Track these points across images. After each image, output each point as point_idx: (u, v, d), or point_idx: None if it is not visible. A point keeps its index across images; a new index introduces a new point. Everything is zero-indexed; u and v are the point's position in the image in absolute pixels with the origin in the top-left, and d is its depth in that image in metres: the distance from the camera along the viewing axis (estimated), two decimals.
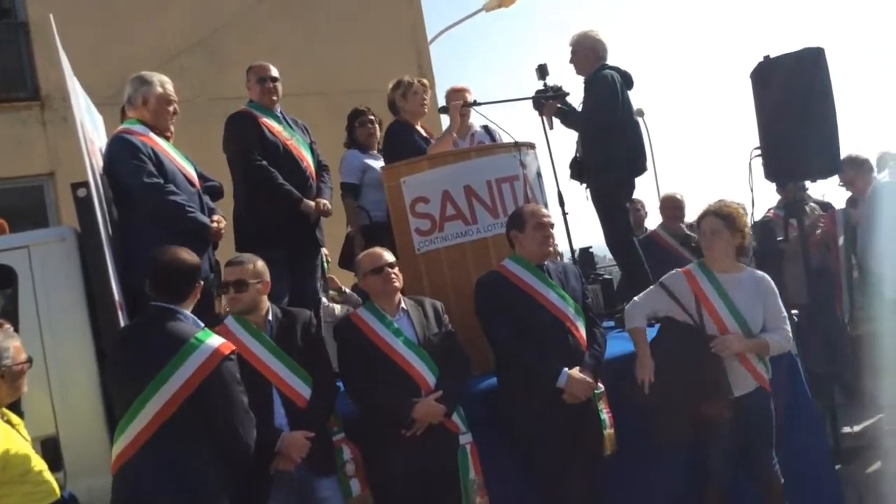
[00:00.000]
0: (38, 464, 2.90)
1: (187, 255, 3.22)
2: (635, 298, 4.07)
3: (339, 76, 10.81)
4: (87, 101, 4.26)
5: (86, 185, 3.50)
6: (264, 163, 4.56)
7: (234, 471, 3.07)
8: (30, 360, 3.04)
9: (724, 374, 3.75)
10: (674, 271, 4.01)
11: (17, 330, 3.55)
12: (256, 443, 3.18)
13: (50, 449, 3.40)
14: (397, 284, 3.74)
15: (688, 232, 6.16)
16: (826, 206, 6.27)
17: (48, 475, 2.90)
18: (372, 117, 5.51)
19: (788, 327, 3.90)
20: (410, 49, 11.52)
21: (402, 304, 3.77)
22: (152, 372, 2.94)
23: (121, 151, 3.93)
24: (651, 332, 4.02)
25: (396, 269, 3.76)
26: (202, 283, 3.24)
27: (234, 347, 3.13)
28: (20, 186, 9.71)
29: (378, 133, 5.52)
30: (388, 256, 3.79)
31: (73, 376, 3.13)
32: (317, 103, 9.26)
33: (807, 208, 5.68)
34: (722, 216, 3.86)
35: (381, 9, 11.39)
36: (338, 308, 5.64)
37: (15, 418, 3.09)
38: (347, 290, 5.42)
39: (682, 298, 3.89)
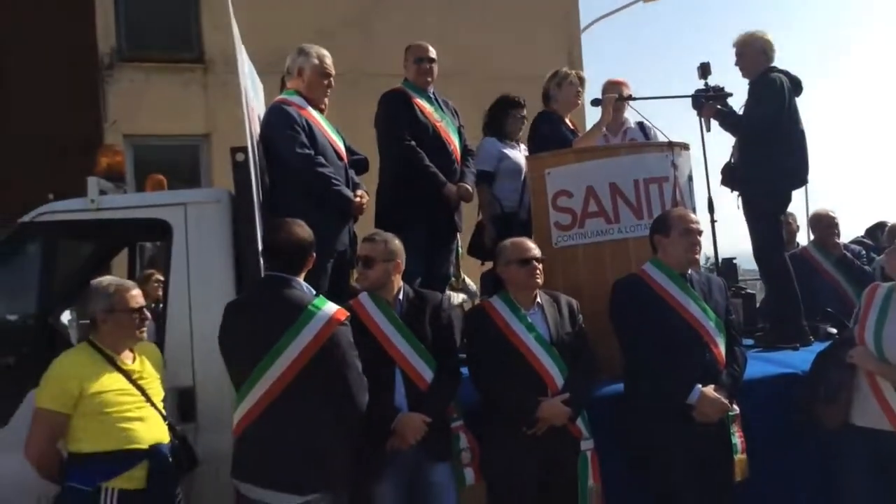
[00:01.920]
0: (125, 409, 3.11)
1: (300, 228, 3.26)
2: None
3: (485, 60, 10.79)
4: (251, 67, 4.40)
5: (244, 150, 3.61)
6: (413, 143, 4.58)
7: (350, 432, 3.14)
8: (138, 310, 3.23)
9: (847, 387, 3.59)
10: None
11: (166, 282, 3.76)
12: (374, 420, 3.24)
13: (186, 400, 3.55)
14: (540, 280, 3.67)
15: (844, 252, 5.75)
16: None
17: (135, 424, 3.11)
18: (525, 111, 5.40)
19: None
20: (562, 37, 11.34)
21: (538, 299, 3.69)
22: (273, 338, 3.02)
23: (277, 120, 4.04)
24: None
25: (541, 265, 3.68)
26: (314, 255, 3.28)
27: (348, 314, 3.19)
28: (177, 144, 10.30)
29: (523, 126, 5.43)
30: (537, 250, 3.71)
31: (213, 332, 3.23)
32: (460, 86, 9.21)
33: None
34: None
35: None
36: (454, 296, 5.64)
37: (144, 364, 3.30)
38: (467, 280, 5.41)
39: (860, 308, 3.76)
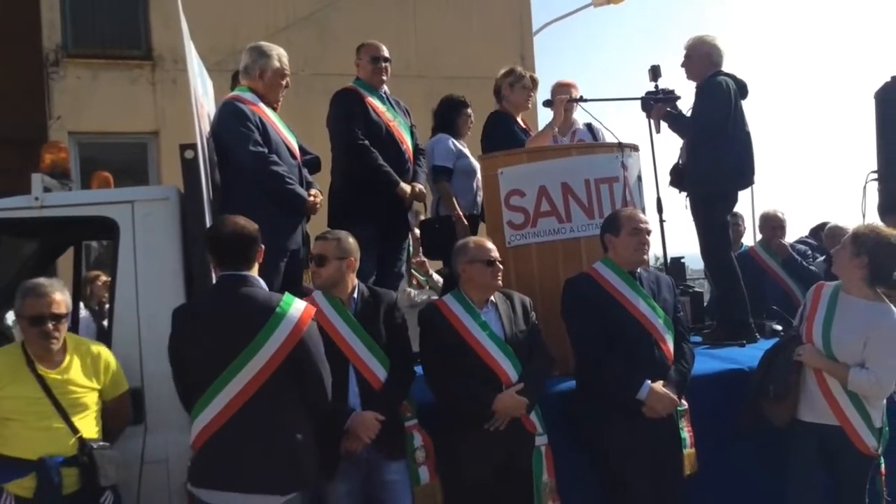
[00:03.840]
0: (28, 418, 3.11)
1: (245, 221, 3.20)
2: None
3: (440, 61, 10.84)
4: (201, 65, 4.34)
5: (193, 147, 3.55)
6: (366, 143, 4.57)
7: (318, 427, 3.13)
8: (37, 318, 3.10)
9: (795, 385, 3.68)
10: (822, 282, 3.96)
11: (113, 281, 3.68)
12: (327, 419, 3.24)
13: (134, 401, 3.46)
14: (500, 283, 3.70)
15: (791, 252, 5.90)
16: None
17: (33, 433, 3.09)
18: (470, 110, 5.43)
19: (889, 376, 3.59)
20: (515, 39, 11.44)
21: (492, 297, 3.71)
22: (240, 343, 2.96)
23: (230, 118, 3.99)
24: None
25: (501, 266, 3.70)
26: (263, 248, 3.22)
27: (315, 309, 3.18)
28: (125, 142, 10.13)
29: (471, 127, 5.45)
30: (496, 252, 3.71)
31: (162, 332, 3.17)
32: (414, 86, 9.28)
33: None
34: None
35: None
36: (414, 293, 5.64)
37: (71, 372, 3.20)
38: (435, 276, 5.40)
39: (805, 308, 3.86)
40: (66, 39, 9.73)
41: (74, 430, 3.14)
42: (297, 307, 3.07)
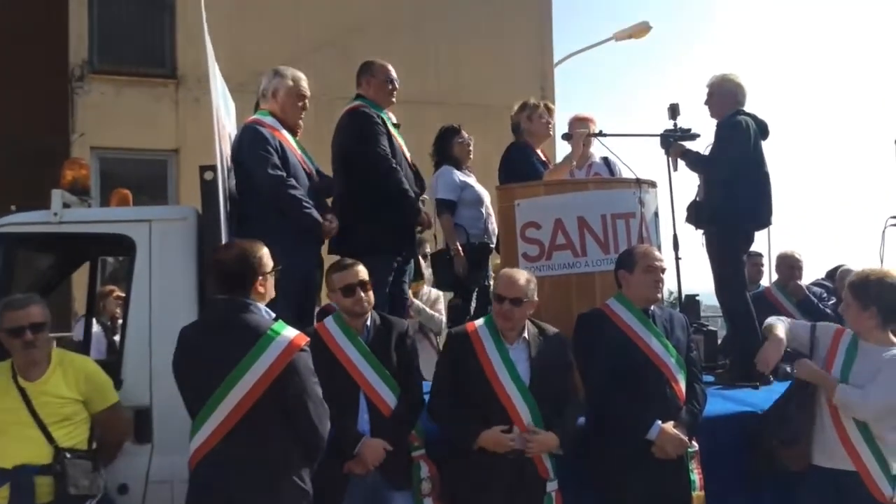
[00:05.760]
0: (4, 426, 3.18)
1: (250, 246, 3.15)
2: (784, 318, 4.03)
3: (459, 88, 10.91)
4: (224, 86, 4.38)
5: (213, 168, 3.58)
6: (397, 166, 4.40)
7: (311, 462, 3.06)
8: (28, 328, 3.19)
9: (808, 429, 3.65)
10: (829, 324, 3.93)
11: (127, 299, 3.70)
12: (336, 443, 3.19)
13: (142, 420, 3.48)
14: (510, 325, 3.55)
15: (807, 294, 5.85)
16: None
17: (9, 443, 3.16)
18: (466, 134, 5.42)
19: (878, 395, 3.51)
20: (535, 70, 11.51)
21: (524, 333, 3.59)
22: (230, 365, 2.93)
23: (250, 140, 4.01)
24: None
25: (521, 307, 3.53)
26: (264, 276, 3.14)
27: (308, 339, 3.10)
28: (146, 159, 10.22)
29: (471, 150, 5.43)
30: (519, 291, 3.51)
31: (173, 352, 3.17)
32: (433, 112, 9.34)
33: None
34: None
35: (512, 26, 11.45)
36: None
37: (52, 384, 3.26)
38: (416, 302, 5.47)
39: (819, 347, 3.80)
40: (91, 55, 9.88)
41: (51, 440, 3.18)
42: (286, 334, 3.02)
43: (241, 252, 3.12)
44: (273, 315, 3.13)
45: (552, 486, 3.47)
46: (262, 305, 3.12)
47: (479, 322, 3.70)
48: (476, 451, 3.41)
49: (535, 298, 3.61)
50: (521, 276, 3.61)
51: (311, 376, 3.04)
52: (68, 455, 3.17)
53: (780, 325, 3.90)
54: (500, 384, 3.47)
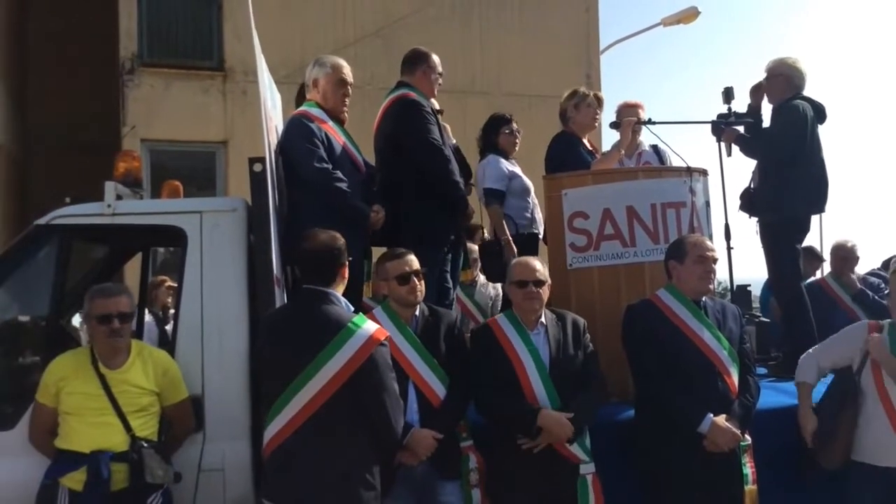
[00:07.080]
0: (86, 413, 3.22)
1: (332, 237, 3.22)
2: (811, 350, 3.85)
3: (504, 78, 10.86)
4: (270, 78, 4.40)
5: (262, 160, 3.60)
6: (451, 156, 4.40)
7: (383, 458, 3.08)
8: (105, 318, 3.23)
9: (846, 423, 3.57)
10: (861, 322, 3.80)
11: (179, 290, 3.76)
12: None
13: (194, 409, 3.50)
14: (537, 305, 3.57)
15: (861, 286, 5.69)
16: None
17: (90, 429, 3.20)
18: (516, 125, 5.36)
19: None
20: (581, 57, 11.37)
21: (542, 319, 3.61)
22: (309, 356, 2.96)
23: (296, 133, 4.03)
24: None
25: (543, 288, 3.58)
26: (347, 263, 3.24)
27: (387, 333, 3.14)
28: (195, 150, 10.37)
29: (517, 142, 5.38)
30: (540, 272, 3.60)
31: (225, 341, 3.23)
32: (477, 102, 9.32)
33: None
34: None
35: (557, 14, 11.33)
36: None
37: (132, 373, 3.31)
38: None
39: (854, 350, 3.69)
40: (141, 49, 10.04)
41: (128, 428, 3.23)
42: (367, 327, 3.05)
43: (328, 240, 3.20)
44: (353, 308, 3.16)
45: (586, 469, 3.43)
46: (341, 297, 3.17)
47: (499, 316, 3.73)
48: (505, 440, 3.43)
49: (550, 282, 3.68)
50: (535, 261, 3.67)
51: (388, 371, 3.06)
52: (145, 444, 3.23)
53: (806, 370, 3.79)
54: (524, 370, 3.47)
